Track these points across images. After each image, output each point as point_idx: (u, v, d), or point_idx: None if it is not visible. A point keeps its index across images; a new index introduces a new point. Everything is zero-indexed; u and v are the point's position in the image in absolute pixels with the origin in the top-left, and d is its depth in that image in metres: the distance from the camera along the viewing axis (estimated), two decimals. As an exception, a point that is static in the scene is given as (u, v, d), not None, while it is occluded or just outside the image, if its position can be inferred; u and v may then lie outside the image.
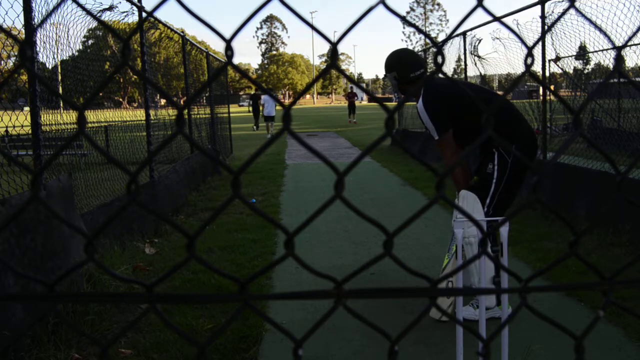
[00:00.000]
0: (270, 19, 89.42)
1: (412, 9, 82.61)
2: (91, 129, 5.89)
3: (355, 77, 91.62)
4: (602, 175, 4.86)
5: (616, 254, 4.09)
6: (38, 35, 3.65)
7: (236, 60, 1.24)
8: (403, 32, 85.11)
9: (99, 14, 4.81)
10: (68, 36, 4.21)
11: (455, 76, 10.37)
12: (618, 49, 0.67)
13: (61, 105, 3.95)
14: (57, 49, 4.06)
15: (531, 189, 0.63)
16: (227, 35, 0.54)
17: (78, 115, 0.54)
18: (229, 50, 0.54)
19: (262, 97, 20.16)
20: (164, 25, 6.89)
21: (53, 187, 3.40)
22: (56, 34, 4.03)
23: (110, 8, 4.94)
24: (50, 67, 4.25)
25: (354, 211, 0.58)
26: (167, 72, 8.36)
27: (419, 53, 8.31)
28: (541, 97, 6.14)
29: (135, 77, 7.87)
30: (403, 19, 0.63)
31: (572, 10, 2.19)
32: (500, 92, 5.10)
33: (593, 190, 4.93)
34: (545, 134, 5.96)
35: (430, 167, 0.60)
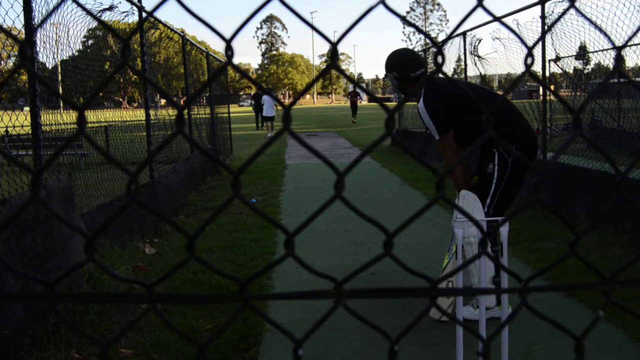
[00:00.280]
0: (270, 19, 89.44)
1: (412, 9, 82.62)
2: (91, 129, 5.89)
3: (355, 77, 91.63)
4: (602, 175, 4.86)
5: (616, 254, 4.09)
6: (38, 35, 3.65)
7: (236, 60, 1.24)
8: (403, 32, 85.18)
9: (99, 14, 4.81)
10: (68, 36, 4.21)
11: (455, 76, 10.37)
12: (618, 49, 0.67)
13: (61, 105, 3.95)
14: (57, 49, 4.06)
15: (531, 189, 0.63)
16: (227, 35, 0.54)
17: (78, 115, 0.54)
18: (229, 50, 0.54)
19: (263, 97, 20.17)
20: (164, 25, 6.89)
21: (53, 187, 3.40)
22: (56, 34, 4.03)
23: (110, 8, 4.94)
24: (50, 67, 4.25)
25: (354, 211, 0.58)
26: (167, 72, 8.36)
27: (419, 53, 8.30)
28: (541, 97, 6.14)
29: (135, 77, 7.87)
30: (403, 19, 0.63)
31: (572, 10, 2.19)
32: (500, 92, 5.10)
33: (593, 190, 4.93)
34: (545, 134, 5.96)
35: (430, 167, 0.60)
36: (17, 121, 3.38)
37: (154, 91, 6.01)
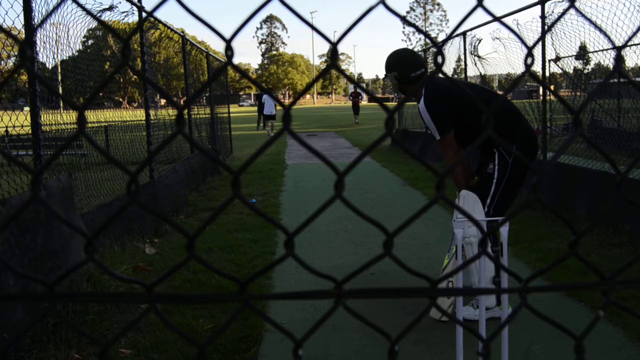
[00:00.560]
0: (270, 19, 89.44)
1: (412, 9, 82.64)
2: (91, 129, 5.89)
3: (355, 77, 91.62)
4: (602, 175, 4.86)
5: (616, 254, 4.09)
6: (38, 35, 3.65)
7: (236, 60, 1.24)
8: (403, 32, 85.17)
9: (99, 14, 4.81)
10: (68, 36, 4.21)
11: (455, 76, 10.37)
12: (618, 49, 0.67)
13: (61, 105, 3.95)
14: (57, 49, 4.06)
15: (531, 189, 0.63)
16: (227, 35, 0.54)
17: (78, 115, 0.54)
18: (229, 50, 0.54)
19: (263, 96, 20.25)
20: (164, 25, 6.89)
21: (53, 187, 3.40)
22: (56, 34, 4.03)
23: (110, 8, 4.94)
24: (50, 67, 4.25)
25: (354, 211, 0.58)
26: (167, 72, 8.36)
27: (419, 53, 8.30)
28: (541, 97, 6.14)
29: (135, 77, 7.87)
30: (403, 19, 0.63)
31: (572, 10, 2.19)
32: (500, 92, 5.10)
33: (593, 190, 4.93)
34: (545, 134, 5.96)
35: (430, 167, 0.60)
36: (17, 121, 3.38)
37: (154, 91, 6.01)
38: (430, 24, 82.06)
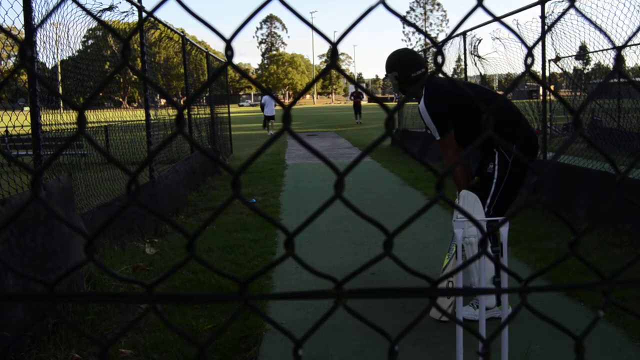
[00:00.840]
0: (270, 19, 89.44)
1: (412, 9, 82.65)
2: (91, 129, 5.89)
3: (355, 77, 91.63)
4: (602, 175, 4.86)
5: (616, 254, 4.09)
6: (38, 35, 3.65)
7: (236, 60, 1.24)
8: (403, 32, 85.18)
9: (99, 14, 4.81)
10: (68, 36, 4.21)
11: (455, 76, 10.37)
12: (618, 49, 0.67)
13: (61, 105, 3.95)
14: (57, 49, 4.06)
15: (531, 189, 0.63)
16: (227, 35, 0.54)
17: (78, 115, 0.54)
18: (229, 50, 0.54)
19: (263, 97, 20.31)
20: (164, 25, 6.89)
21: (53, 187, 3.40)
22: (56, 34, 4.03)
23: (110, 8, 4.94)
24: (50, 67, 4.25)
25: (354, 211, 0.58)
26: (167, 72, 8.36)
27: (419, 53, 8.31)
28: (541, 97, 6.14)
29: (135, 77, 7.87)
30: (403, 19, 0.63)
31: (572, 10, 2.19)
32: (500, 92, 5.10)
33: (593, 190, 4.93)
34: (545, 134, 5.96)
35: (430, 167, 0.60)
36: (17, 121, 3.38)
37: (154, 91, 6.01)
38: (430, 24, 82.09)
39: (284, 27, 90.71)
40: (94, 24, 5.15)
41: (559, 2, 5.33)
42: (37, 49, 3.65)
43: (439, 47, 0.59)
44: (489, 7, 0.61)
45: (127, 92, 9.68)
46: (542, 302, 3.24)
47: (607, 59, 7.38)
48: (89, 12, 0.66)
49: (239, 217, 5.70)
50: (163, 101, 7.03)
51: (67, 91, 4.60)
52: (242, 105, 72.39)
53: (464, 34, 8.18)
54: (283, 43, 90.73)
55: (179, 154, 7.33)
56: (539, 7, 5.55)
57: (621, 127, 7.52)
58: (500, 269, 2.63)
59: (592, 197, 4.94)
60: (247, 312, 2.92)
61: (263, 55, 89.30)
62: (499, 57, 7.61)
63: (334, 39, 0.56)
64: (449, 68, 10.85)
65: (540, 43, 5.61)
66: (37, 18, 3.37)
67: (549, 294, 3.38)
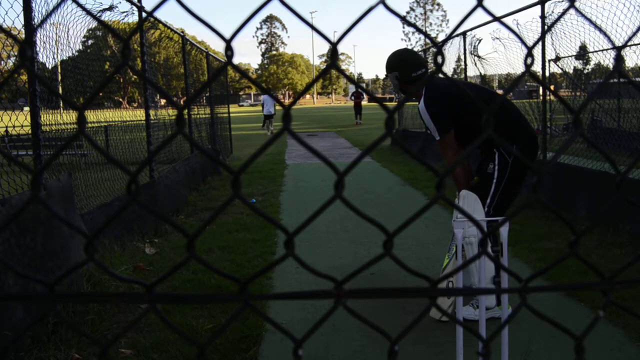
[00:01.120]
0: (270, 19, 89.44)
1: (412, 9, 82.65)
2: (91, 129, 5.89)
3: (355, 77, 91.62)
4: (602, 175, 4.86)
5: (616, 254, 4.09)
6: (38, 35, 3.65)
7: (236, 60, 1.24)
8: (403, 32, 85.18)
9: (99, 14, 4.81)
10: (68, 36, 4.21)
11: (455, 76, 10.37)
12: (618, 49, 0.67)
13: (61, 105, 3.95)
14: (57, 49, 4.06)
15: (531, 189, 0.63)
16: (227, 35, 0.54)
17: (78, 115, 0.54)
18: (229, 50, 0.54)
19: (262, 96, 20.35)
20: (164, 25, 6.89)
21: (53, 187, 3.40)
22: (56, 34, 4.03)
23: (110, 8, 4.94)
24: (50, 67, 4.25)
25: (354, 211, 0.58)
26: (167, 72, 8.36)
27: (419, 53, 8.31)
28: (541, 97, 6.14)
29: (135, 77, 7.87)
30: (403, 19, 0.63)
31: (572, 10, 2.19)
32: (500, 92, 5.10)
33: (593, 190, 4.93)
34: (545, 134, 5.96)
35: (430, 167, 0.60)
36: (17, 121, 3.38)
37: (154, 91, 6.01)
38: (430, 24, 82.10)
39: (284, 27, 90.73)
40: (94, 24, 5.15)
41: (559, 2, 5.34)
42: (37, 49, 3.65)
43: (439, 47, 0.59)
44: (489, 7, 0.61)
45: (127, 92, 9.68)
46: (542, 302, 3.24)
47: (607, 59, 7.38)
48: (89, 12, 0.66)
49: (239, 217, 5.70)
50: (163, 101, 7.03)
51: (67, 91, 4.60)
52: (242, 105, 72.41)
53: (464, 34, 8.18)
54: (283, 43, 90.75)
55: (179, 154, 7.33)
56: (539, 7, 5.55)
57: (621, 127, 7.52)
58: (500, 269, 2.64)
59: (592, 197, 4.94)
60: (247, 312, 2.92)
61: (263, 55, 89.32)
62: (498, 57, 7.62)
63: (334, 39, 0.56)
64: (449, 68, 10.85)
65: (540, 43, 5.61)
66: (37, 18, 3.37)
67: (549, 294, 3.38)
